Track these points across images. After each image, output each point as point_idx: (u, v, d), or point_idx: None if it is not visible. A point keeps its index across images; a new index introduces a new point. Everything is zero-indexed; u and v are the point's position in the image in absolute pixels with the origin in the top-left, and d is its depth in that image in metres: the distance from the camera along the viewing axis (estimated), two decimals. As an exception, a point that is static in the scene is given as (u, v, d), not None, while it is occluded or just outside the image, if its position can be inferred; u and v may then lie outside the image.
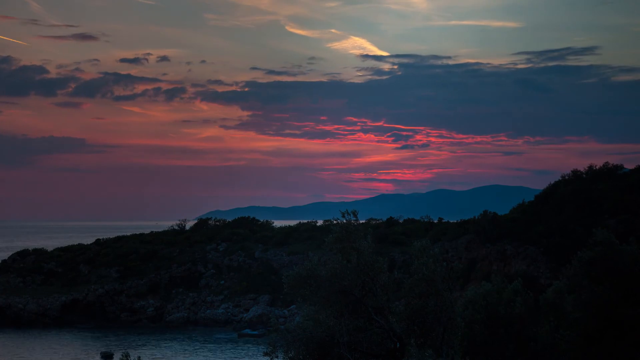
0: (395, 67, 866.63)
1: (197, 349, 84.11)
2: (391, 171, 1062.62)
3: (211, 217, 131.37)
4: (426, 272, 23.15)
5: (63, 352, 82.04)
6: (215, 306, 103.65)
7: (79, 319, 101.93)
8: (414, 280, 23.36)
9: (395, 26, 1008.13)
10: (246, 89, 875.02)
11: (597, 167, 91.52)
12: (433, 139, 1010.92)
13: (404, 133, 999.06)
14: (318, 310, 23.59)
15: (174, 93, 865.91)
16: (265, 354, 23.52)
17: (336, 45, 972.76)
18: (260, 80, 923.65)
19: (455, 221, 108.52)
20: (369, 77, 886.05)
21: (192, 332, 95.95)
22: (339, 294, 23.41)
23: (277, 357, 23.38)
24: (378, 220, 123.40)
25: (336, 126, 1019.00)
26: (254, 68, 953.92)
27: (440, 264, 23.36)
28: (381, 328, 23.24)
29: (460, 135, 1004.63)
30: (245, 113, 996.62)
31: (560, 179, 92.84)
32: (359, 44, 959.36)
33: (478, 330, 26.28)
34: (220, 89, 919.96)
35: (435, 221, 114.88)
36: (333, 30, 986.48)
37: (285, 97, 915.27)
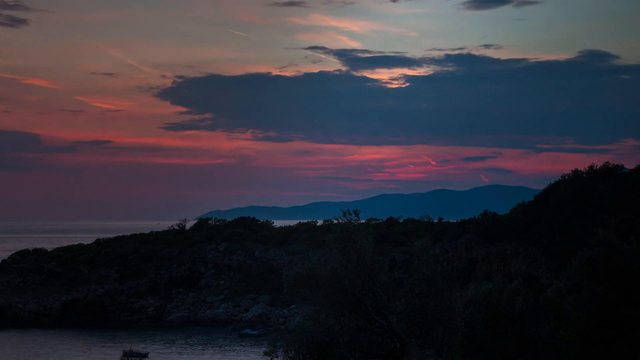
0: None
1: (197, 349, 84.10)
2: (391, 170, 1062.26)
3: (211, 217, 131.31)
4: (426, 272, 23.17)
5: (63, 353, 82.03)
6: (215, 306, 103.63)
7: (79, 319, 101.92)
8: (414, 280, 23.38)
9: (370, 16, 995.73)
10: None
11: (597, 167, 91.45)
12: (431, 138, 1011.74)
13: (402, 132, 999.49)
14: (318, 310, 23.61)
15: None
16: (266, 354, 23.55)
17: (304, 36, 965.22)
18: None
19: (455, 221, 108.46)
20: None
21: (192, 332, 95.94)
22: (339, 294, 23.41)
23: (277, 356, 23.42)
24: (378, 220, 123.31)
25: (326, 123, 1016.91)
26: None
27: (441, 263, 23.38)
28: (381, 328, 23.24)
29: (460, 135, 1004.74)
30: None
31: (561, 178, 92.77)
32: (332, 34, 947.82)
33: (478, 330, 26.27)
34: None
35: (435, 221, 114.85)
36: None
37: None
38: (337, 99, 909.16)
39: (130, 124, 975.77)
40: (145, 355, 77.69)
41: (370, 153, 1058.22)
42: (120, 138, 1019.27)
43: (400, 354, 22.69)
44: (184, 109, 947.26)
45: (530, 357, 26.21)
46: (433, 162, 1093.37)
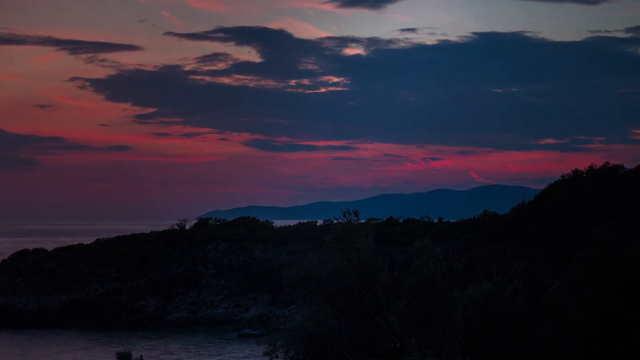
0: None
1: (197, 349, 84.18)
2: (391, 170, 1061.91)
3: (211, 217, 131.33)
4: (426, 272, 23.19)
5: (63, 352, 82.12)
6: (215, 306, 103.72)
7: (79, 319, 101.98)
8: (414, 279, 23.40)
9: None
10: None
11: (597, 167, 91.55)
12: (431, 138, 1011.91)
13: (402, 131, 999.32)
14: (318, 310, 23.62)
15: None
16: (265, 354, 23.56)
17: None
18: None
19: (455, 221, 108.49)
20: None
21: (192, 332, 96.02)
22: (339, 294, 23.43)
23: (277, 356, 23.43)
24: (378, 220, 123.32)
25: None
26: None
27: (441, 263, 23.40)
28: (381, 328, 23.26)
29: (461, 134, 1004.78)
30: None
31: (560, 178, 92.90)
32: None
33: (478, 330, 26.29)
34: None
35: (435, 221, 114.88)
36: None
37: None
38: (336, 98, 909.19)
39: (103, 121, 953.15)
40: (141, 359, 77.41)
41: (371, 152, 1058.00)
42: (97, 135, 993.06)
43: (400, 353, 22.71)
44: (161, 107, 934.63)
45: (530, 357, 26.23)
46: (433, 162, 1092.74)
